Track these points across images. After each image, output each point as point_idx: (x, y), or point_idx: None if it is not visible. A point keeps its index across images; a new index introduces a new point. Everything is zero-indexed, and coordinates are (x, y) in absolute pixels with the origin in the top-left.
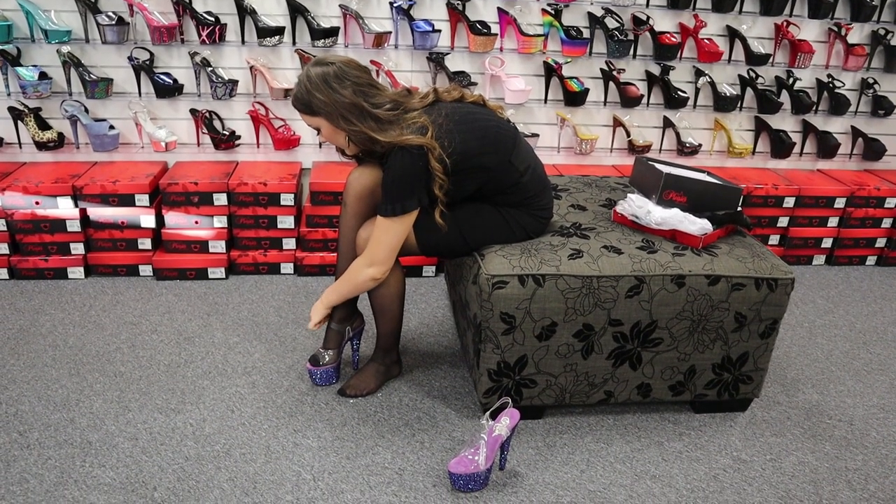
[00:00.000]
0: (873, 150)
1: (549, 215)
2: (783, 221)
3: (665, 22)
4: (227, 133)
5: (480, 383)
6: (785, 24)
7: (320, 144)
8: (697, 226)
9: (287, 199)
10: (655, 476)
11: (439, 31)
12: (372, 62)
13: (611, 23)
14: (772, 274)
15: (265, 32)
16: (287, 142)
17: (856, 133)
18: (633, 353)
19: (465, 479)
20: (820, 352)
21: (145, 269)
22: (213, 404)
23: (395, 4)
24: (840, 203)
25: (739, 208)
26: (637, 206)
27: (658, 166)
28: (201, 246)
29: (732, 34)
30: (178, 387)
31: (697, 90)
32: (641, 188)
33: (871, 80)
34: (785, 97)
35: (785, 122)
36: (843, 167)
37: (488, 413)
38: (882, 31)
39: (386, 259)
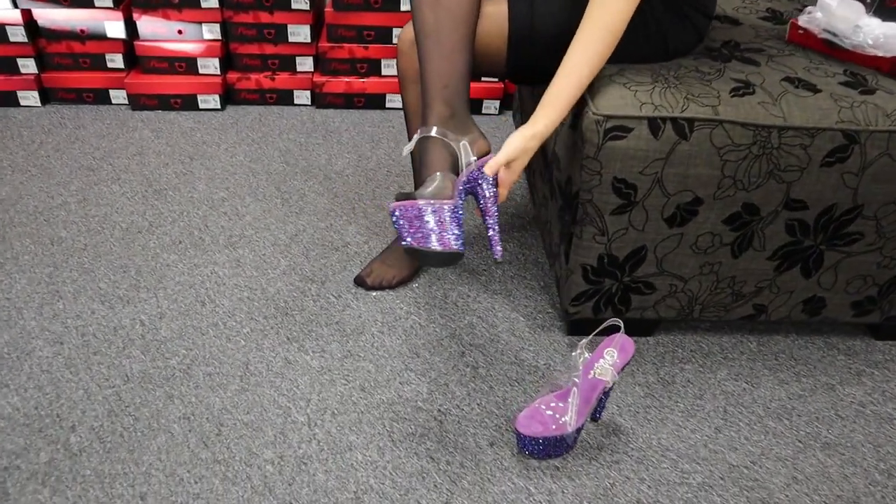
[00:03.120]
0: None
1: (711, 15)
2: None
3: None
4: None
5: (568, 284)
6: None
7: None
8: None
9: (300, 1)
10: (829, 443)
11: None
12: None
13: None
14: None
15: None
16: None
17: None
18: (813, 252)
19: (541, 445)
20: None
21: (118, 96)
22: (177, 293)
23: None
24: None
25: None
26: (836, 16)
27: None
28: (188, 65)
29: None
30: (133, 263)
31: None
32: None
33: None
34: None
35: None
36: None
37: (585, 342)
38: None
39: None
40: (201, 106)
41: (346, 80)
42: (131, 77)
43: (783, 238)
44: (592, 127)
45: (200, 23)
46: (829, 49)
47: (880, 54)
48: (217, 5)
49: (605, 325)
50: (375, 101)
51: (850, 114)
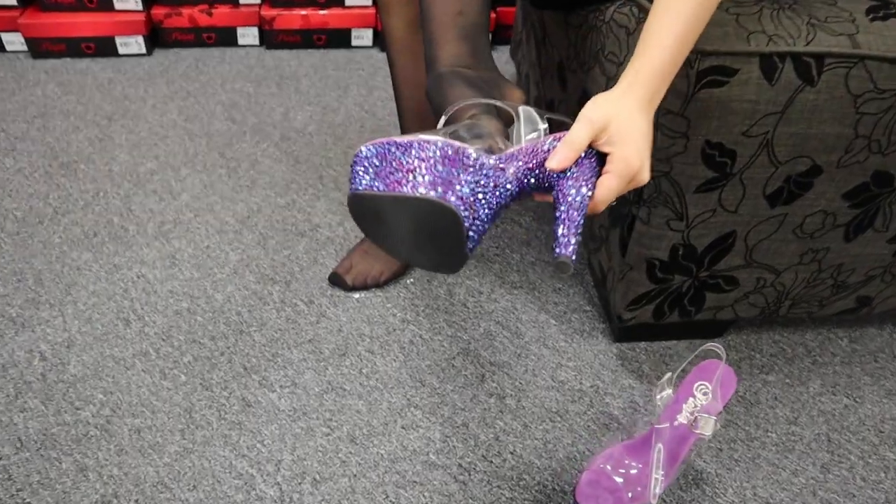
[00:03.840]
0: None
1: None
2: None
3: None
4: None
5: (625, 284)
6: None
7: None
8: None
9: None
10: None
11: None
12: None
13: None
14: None
15: None
16: None
17: None
18: None
19: None
20: None
21: (13, 41)
22: (92, 307)
23: None
24: None
25: None
26: None
27: None
28: (101, 0)
29: None
30: (31, 267)
31: None
32: None
33: None
34: None
35: None
36: None
37: (670, 378)
38: None
39: None
40: (121, 51)
41: (302, 12)
42: (28, 16)
43: None
44: (681, 69)
45: None
46: None
47: None
48: None
49: (698, 352)
50: (339, 39)
51: None
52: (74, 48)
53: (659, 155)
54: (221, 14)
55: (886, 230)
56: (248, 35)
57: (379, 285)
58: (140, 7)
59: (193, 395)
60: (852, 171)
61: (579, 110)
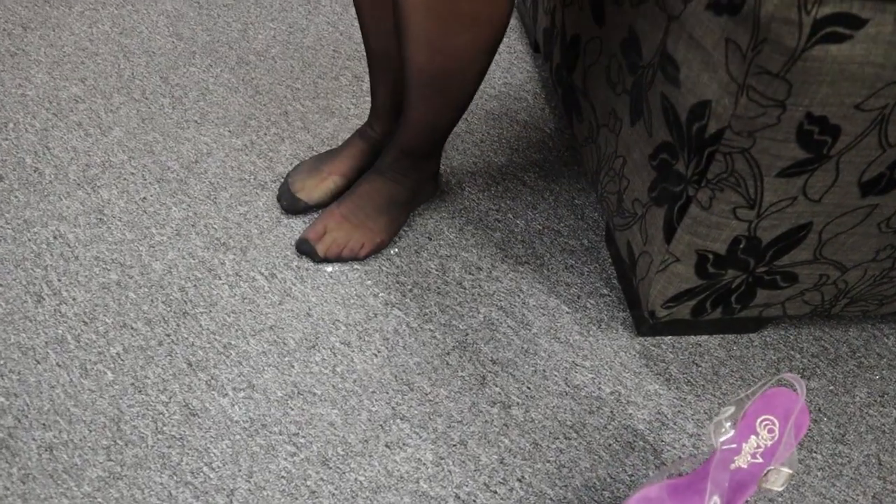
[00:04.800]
0: None
1: None
2: None
3: None
4: None
5: (665, 277)
6: None
7: None
8: None
9: None
10: None
11: None
12: None
13: None
14: None
15: None
16: None
17: None
18: None
19: None
20: None
21: None
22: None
23: None
24: None
25: None
26: None
27: None
28: None
29: None
30: None
31: None
32: None
33: None
34: None
35: None
36: None
37: (730, 413)
38: None
39: None
40: None
41: None
42: None
43: None
44: (791, 14)
45: None
46: None
47: None
48: None
49: (770, 381)
50: None
51: None
52: None
53: (739, 126)
54: None
55: None
56: None
57: (357, 259)
58: None
59: (123, 400)
60: None
61: (620, 60)
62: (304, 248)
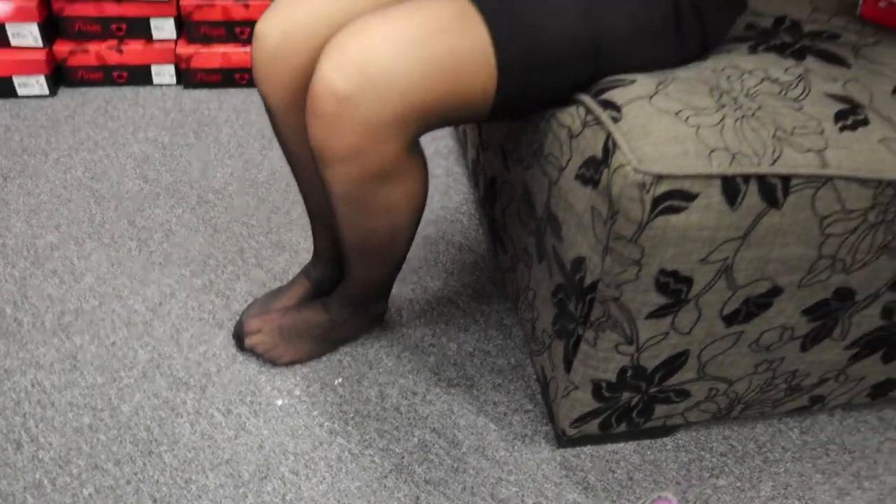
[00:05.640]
0: None
1: None
2: None
3: None
4: None
5: (569, 402)
6: None
7: None
8: None
9: None
10: None
11: None
12: None
13: None
14: None
15: None
16: None
17: None
18: None
19: None
20: None
21: None
22: None
23: None
24: None
25: None
26: None
27: None
28: None
29: None
30: None
31: None
32: None
33: None
34: None
35: None
36: None
37: None
38: None
39: None
40: (20, 92)
41: (222, 49)
42: None
43: (874, 323)
44: (633, 193)
45: None
46: None
47: None
48: None
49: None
50: None
51: None
52: None
53: (608, 280)
54: (133, 51)
55: (844, 339)
56: (164, 73)
57: (274, 364)
58: (40, 43)
59: None
60: (813, 290)
61: (524, 207)
62: (237, 333)
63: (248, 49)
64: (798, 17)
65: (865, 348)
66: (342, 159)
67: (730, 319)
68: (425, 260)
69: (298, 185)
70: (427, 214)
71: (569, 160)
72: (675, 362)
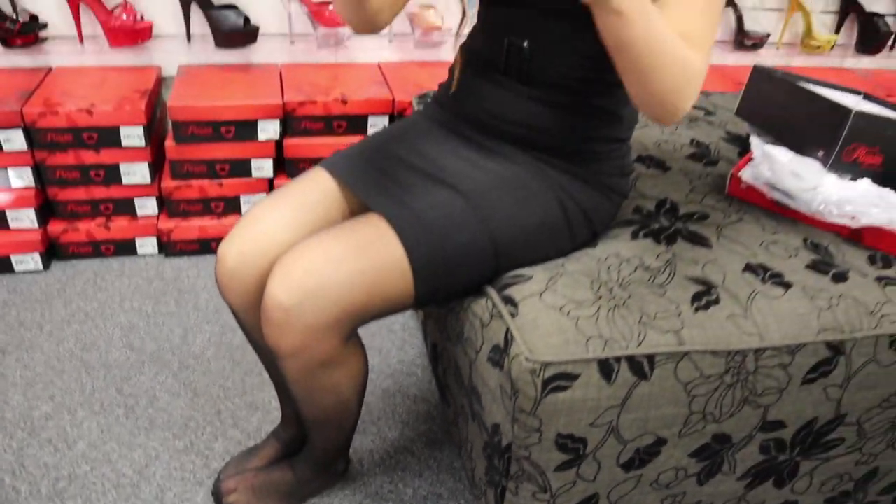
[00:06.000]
0: None
1: (629, 181)
2: None
3: None
4: (23, 20)
5: None
6: None
7: (188, 33)
8: None
9: (132, 136)
10: None
11: None
12: None
13: None
14: None
15: None
16: (130, 33)
17: None
18: (787, 465)
19: None
20: None
21: None
22: None
23: None
24: None
25: None
26: (788, 175)
27: (817, 88)
28: None
29: None
30: None
31: None
32: (781, 130)
33: None
34: None
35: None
36: None
37: None
38: None
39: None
40: (17, 268)
41: (199, 222)
42: None
43: (756, 458)
44: (527, 377)
45: (5, 168)
46: (778, 208)
47: (848, 223)
48: (26, 146)
49: None
50: None
51: (830, 317)
52: None
53: (518, 442)
54: (119, 227)
55: (734, 472)
56: (147, 245)
57: None
58: (35, 225)
59: None
60: (693, 438)
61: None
62: (216, 492)
63: (222, 220)
64: (676, 199)
65: (756, 478)
66: (291, 355)
67: (627, 466)
68: (384, 412)
69: (263, 364)
70: (385, 368)
71: (482, 345)
72: (589, 503)
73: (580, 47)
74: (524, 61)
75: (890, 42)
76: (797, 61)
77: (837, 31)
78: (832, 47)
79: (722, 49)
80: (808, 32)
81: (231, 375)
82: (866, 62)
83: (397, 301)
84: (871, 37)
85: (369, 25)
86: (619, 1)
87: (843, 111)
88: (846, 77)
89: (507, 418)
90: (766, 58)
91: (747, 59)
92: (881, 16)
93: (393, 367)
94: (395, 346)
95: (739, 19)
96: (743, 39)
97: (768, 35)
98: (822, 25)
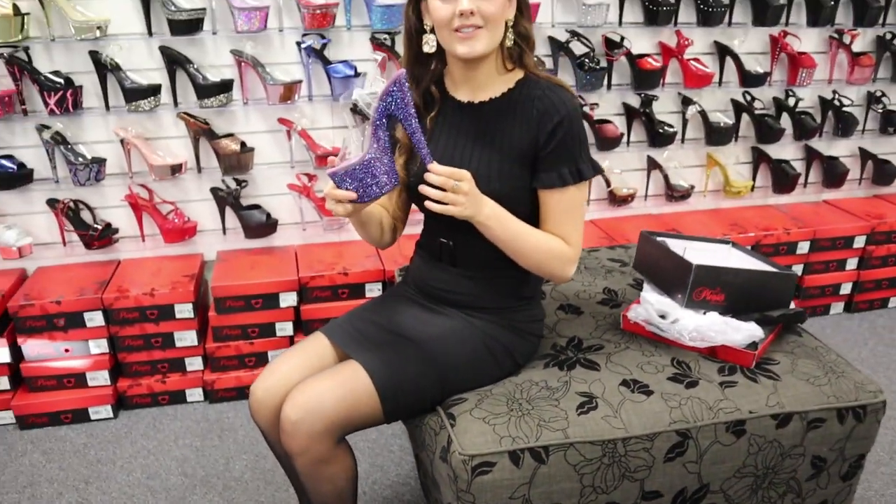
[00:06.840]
0: (885, 173)
1: (541, 325)
2: (797, 269)
3: (642, 42)
4: (100, 227)
5: None
6: (782, 34)
7: (223, 228)
8: (743, 334)
9: (184, 311)
10: None
11: (362, 74)
12: (280, 121)
13: (578, 48)
14: (858, 399)
15: (135, 94)
16: (180, 232)
17: (865, 155)
18: None
19: None
20: None
21: (4, 416)
22: None
23: (303, 45)
24: (860, 242)
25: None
26: (656, 310)
27: (678, 250)
28: (77, 379)
29: (723, 52)
30: None
31: (686, 122)
32: (657, 279)
33: (878, 94)
34: (785, 121)
35: (786, 149)
36: (852, 195)
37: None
38: (888, 36)
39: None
40: (93, 417)
41: (236, 374)
42: (19, 397)
43: None
44: (461, 466)
45: (87, 340)
46: (657, 337)
47: (697, 345)
48: (103, 322)
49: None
50: None
51: (679, 413)
52: (55, 418)
53: None
54: (173, 381)
55: None
56: (195, 394)
57: None
58: (108, 382)
59: None
60: None
61: (426, 474)
62: None
63: (254, 372)
64: (582, 336)
65: None
66: (299, 454)
67: None
68: None
69: (283, 468)
70: (385, 480)
71: (435, 448)
72: None
73: (486, 240)
74: (451, 252)
75: (802, 180)
76: (724, 204)
77: (754, 177)
78: (752, 189)
79: (656, 202)
80: (728, 181)
81: (264, 492)
82: (785, 199)
83: (371, 417)
84: (782, 179)
85: (380, 246)
86: (479, 216)
87: (688, 266)
88: (770, 213)
89: (454, 497)
90: (696, 204)
91: (680, 207)
92: (787, 161)
93: (391, 479)
94: (394, 462)
95: (666, 178)
96: (672, 193)
97: (692, 187)
98: (739, 174)
